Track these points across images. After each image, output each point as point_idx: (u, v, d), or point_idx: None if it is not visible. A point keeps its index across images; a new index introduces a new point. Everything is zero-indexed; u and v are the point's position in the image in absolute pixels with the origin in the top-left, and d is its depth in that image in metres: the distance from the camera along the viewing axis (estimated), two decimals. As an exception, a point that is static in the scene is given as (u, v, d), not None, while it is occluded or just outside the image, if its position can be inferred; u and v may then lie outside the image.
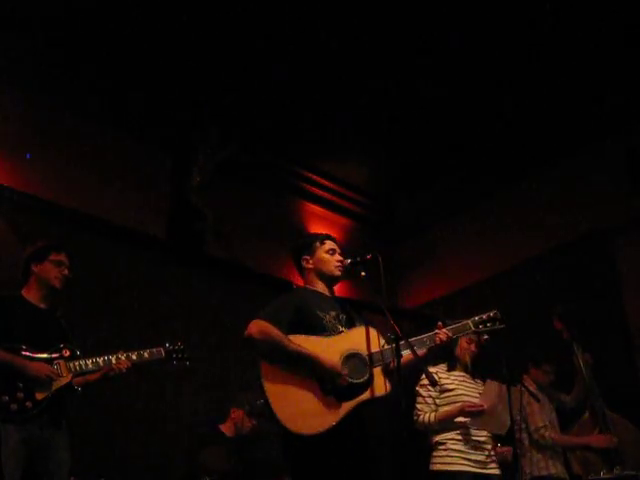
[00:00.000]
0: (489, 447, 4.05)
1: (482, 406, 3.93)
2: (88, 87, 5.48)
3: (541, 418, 4.60)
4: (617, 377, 5.32)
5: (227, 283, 6.22)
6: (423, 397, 4.14)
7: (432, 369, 4.01)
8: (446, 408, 4.06)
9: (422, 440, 4.17)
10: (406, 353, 3.12)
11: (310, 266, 3.44)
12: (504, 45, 5.22)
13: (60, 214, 5.26)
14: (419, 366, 3.23)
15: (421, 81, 5.62)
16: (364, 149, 6.60)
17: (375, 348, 3.14)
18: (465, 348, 4.19)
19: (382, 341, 3.18)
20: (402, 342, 3.05)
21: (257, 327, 3.10)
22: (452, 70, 5.46)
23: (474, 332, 3.58)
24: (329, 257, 3.42)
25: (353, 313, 3.42)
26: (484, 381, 4.15)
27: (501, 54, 5.30)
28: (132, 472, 5.00)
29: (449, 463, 3.98)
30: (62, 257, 3.84)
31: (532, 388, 4.61)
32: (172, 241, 5.89)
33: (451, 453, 3.99)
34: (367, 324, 3.28)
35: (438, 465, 4.01)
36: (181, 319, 5.68)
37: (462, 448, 3.99)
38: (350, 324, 3.31)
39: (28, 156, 5.27)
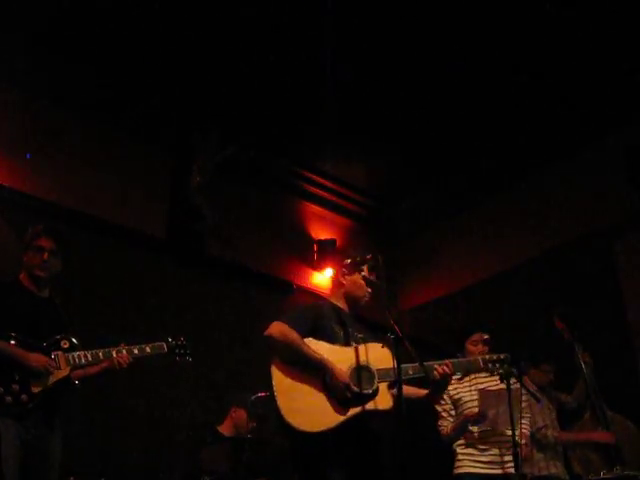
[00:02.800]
0: (506, 446, 4.04)
1: (481, 413, 3.96)
2: (88, 87, 5.48)
3: (542, 418, 4.59)
4: (617, 377, 5.31)
5: (227, 283, 6.22)
6: (439, 413, 4.18)
7: None
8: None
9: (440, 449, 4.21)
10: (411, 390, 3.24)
11: (343, 281, 3.48)
12: (504, 45, 5.22)
13: (60, 214, 5.25)
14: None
15: (421, 81, 5.62)
16: (364, 149, 6.59)
17: (386, 365, 3.16)
18: (473, 352, 4.13)
19: (394, 361, 3.16)
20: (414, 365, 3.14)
21: (277, 328, 3.21)
22: (451, 69, 5.45)
23: (483, 369, 3.61)
24: (363, 284, 3.43)
25: (370, 333, 3.43)
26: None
27: (501, 54, 5.30)
28: (132, 472, 5.00)
29: (458, 467, 4.06)
30: (42, 241, 3.58)
31: (532, 388, 4.61)
32: (172, 241, 5.89)
33: (460, 457, 4.07)
34: (381, 343, 3.30)
35: (454, 470, 4.09)
36: (181, 319, 5.68)
37: (470, 450, 4.04)
38: (364, 342, 3.33)
39: (28, 156, 5.28)
